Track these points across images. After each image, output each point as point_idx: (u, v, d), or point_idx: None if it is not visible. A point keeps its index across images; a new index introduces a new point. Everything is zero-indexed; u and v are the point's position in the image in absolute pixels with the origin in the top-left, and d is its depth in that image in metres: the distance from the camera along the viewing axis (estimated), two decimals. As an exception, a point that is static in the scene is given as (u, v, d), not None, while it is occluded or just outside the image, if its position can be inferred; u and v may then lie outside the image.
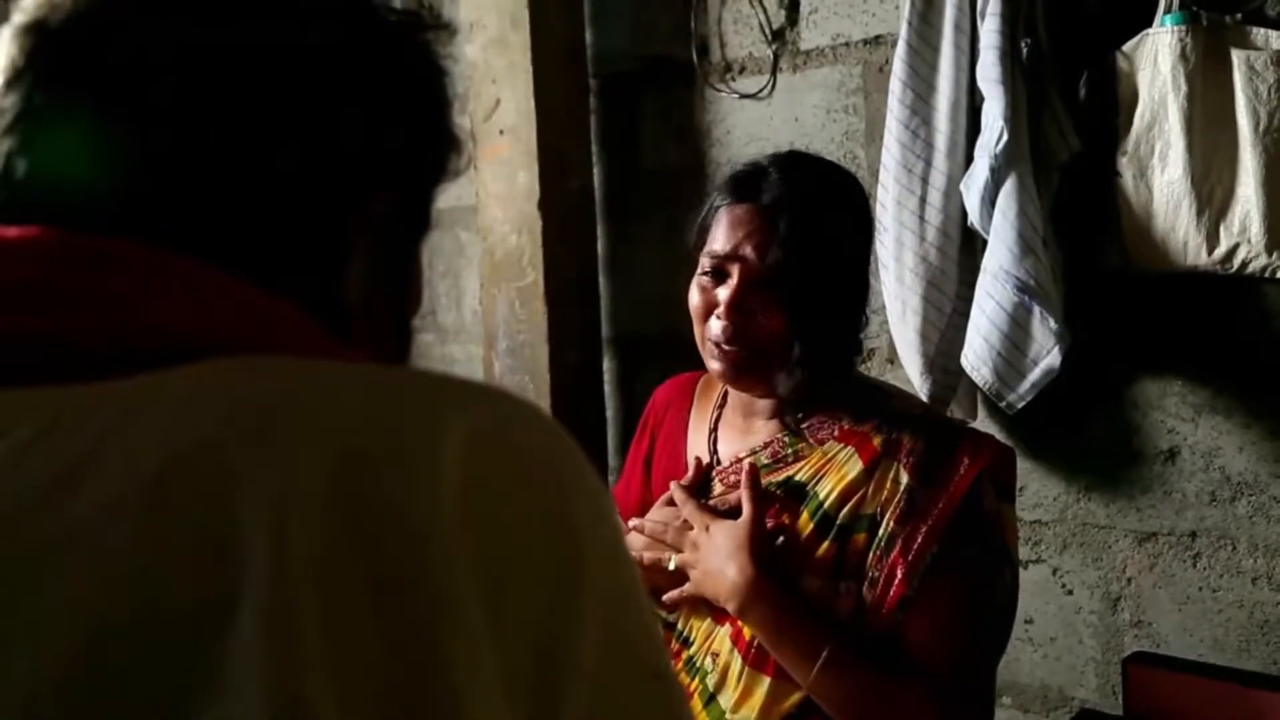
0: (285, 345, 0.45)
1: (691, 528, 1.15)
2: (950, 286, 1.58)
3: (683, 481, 1.20)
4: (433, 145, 0.56)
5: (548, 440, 0.45)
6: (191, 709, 0.35)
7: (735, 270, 1.10)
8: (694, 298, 1.14)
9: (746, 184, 1.12)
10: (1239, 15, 1.41)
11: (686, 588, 1.14)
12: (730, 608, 1.09)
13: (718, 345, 1.11)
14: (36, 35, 0.48)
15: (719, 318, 1.10)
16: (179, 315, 0.44)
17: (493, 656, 0.38)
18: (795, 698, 1.07)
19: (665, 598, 1.15)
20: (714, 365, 1.13)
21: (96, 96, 0.47)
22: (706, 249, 1.12)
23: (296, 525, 0.37)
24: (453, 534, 0.39)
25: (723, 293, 1.10)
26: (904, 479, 1.08)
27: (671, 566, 1.15)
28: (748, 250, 1.09)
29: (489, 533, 0.40)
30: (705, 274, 1.13)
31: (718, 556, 1.10)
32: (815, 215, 1.09)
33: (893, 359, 1.73)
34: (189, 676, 0.35)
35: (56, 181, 0.47)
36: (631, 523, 1.21)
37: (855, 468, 1.10)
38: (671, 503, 1.19)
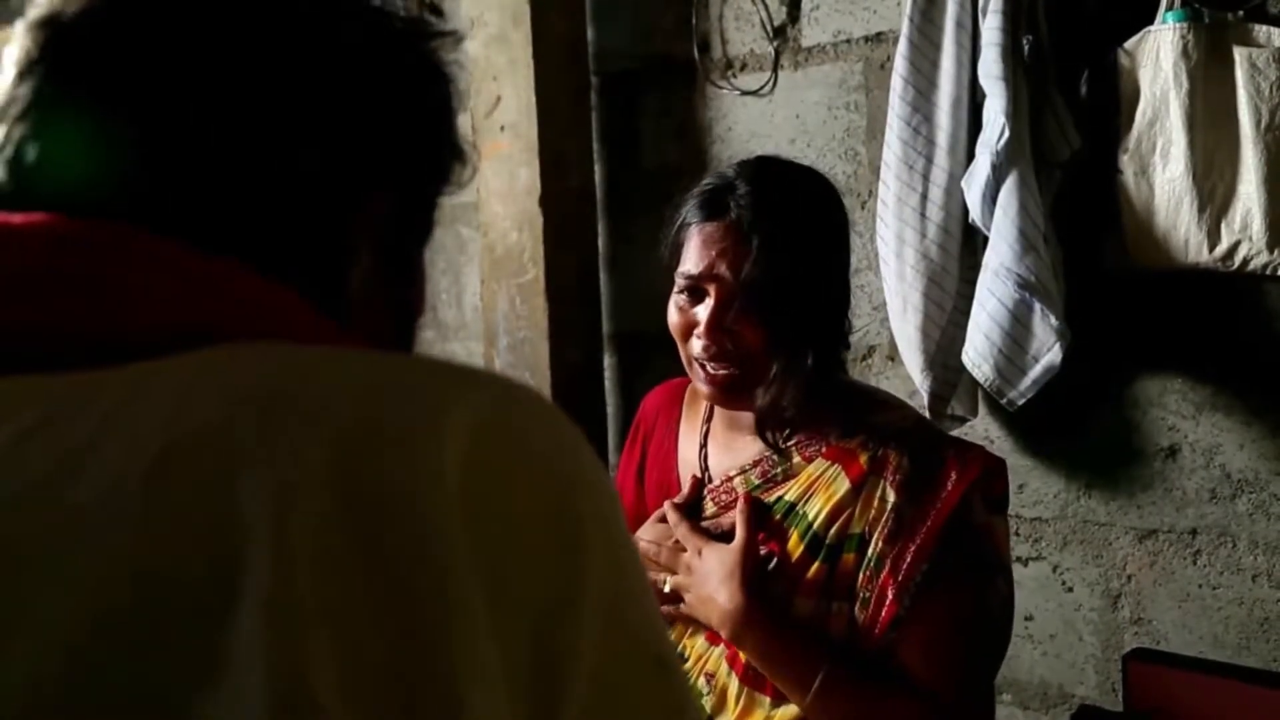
0: (287, 334, 0.45)
1: (684, 549, 1.14)
2: (951, 283, 1.58)
3: (677, 500, 1.18)
4: (435, 150, 0.56)
5: (551, 428, 0.45)
6: (194, 696, 0.35)
7: (711, 289, 1.08)
8: (673, 317, 1.13)
9: (715, 200, 1.10)
10: (1241, 12, 1.41)
11: (681, 608, 1.14)
12: (724, 634, 1.09)
13: (702, 366, 1.11)
14: (50, 28, 0.49)
15: (699, 338, 1.09)
16: (181, 303, 0.44)
17: (494, 643, 0.38)
18: (794, 713, 1.07)
19: (680, 610, 1.15)
20: (701, 387, 1.13)
21: (106, 89, 0.48)
22: (680, 269, 1.11)
23: (298, 513, 0.37)
24: (455, 522, 0.39)
25: (701, 312, 1.09)
26: (891, 497, 1.06)
27: (667, 589, 1.14)
28: (722, 269, 1.07)
29: (491, 521, 0.40)
30: (681, 293, 1.11)
31: (709, 582, 1.10)
32: (787, 227, 1.07)
33: (893, 356, 1.73)
34: (191, 663, 0.35)
35: (65, 170, 0.47)
36: None
37: (842, 487, 1.09)
38: (664, 519, 1.18)
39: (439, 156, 0.57)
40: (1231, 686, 1.39)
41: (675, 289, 1.12)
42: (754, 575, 1.08)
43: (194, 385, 0.41)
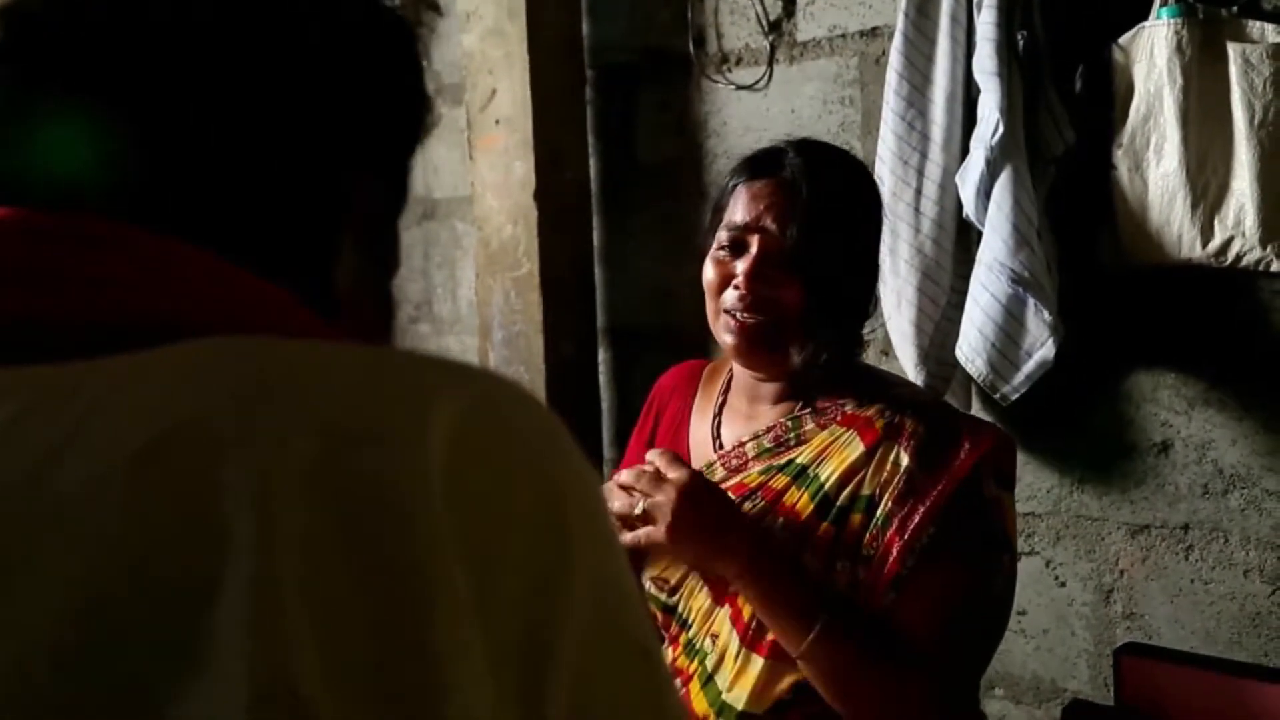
0: (273, 326, 0.45)
1: (664, 477, 1.09)
2: (945, 278, 1.59)
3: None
4: (413, 116, 0.56)
5: (535, 420, 0.45)
6: (177, 685, 0.35)
7: (755, 241, 1.11)
8: (709, 272, 1.14)
9: (765, 161, 1.14)
10: (1235, 8, 1.42)
11: (653, 531, 1.08)
12: (730, 573, 1.07)
13: (733, 316, 1.11)
14: (14, 19, 0.48)
15: (736, 287, 1.11)
16: (164, 295, 0.44)
17: (479, 634, 0.38)
18: (789, 680, 1.07)
19: (627, 538, 1.09)
20: (727, 338, 1.13)
21: (80, 82, 0.47)
22: (725, 222, 1.13)
23: (282, 503, 0.37)
24: (439, 513, 0.39)
25: (740, 264, 1.11)
26: (904, 461, 1.08)
27: (639, 509, 1.09)
28: (768, 221, 1.10)
29: (476, 512, 0.40)
30: (722, 248, 1.13)
31: (709, 527, 1.07)
32: (834, 191, 1.11)
33: (887, 350, 1.73)
34: (175, 651, 0.35)
35: (42, 166, 0.47)
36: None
37: (856, 450, 1.10)
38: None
39: (416, 121, 0.56)
40: (1222, 681, 1.40)
41: (715, 245, 1.14)
42: (756, 515, 1.09)
43: (179, 377, 0.41)
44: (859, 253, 1.15)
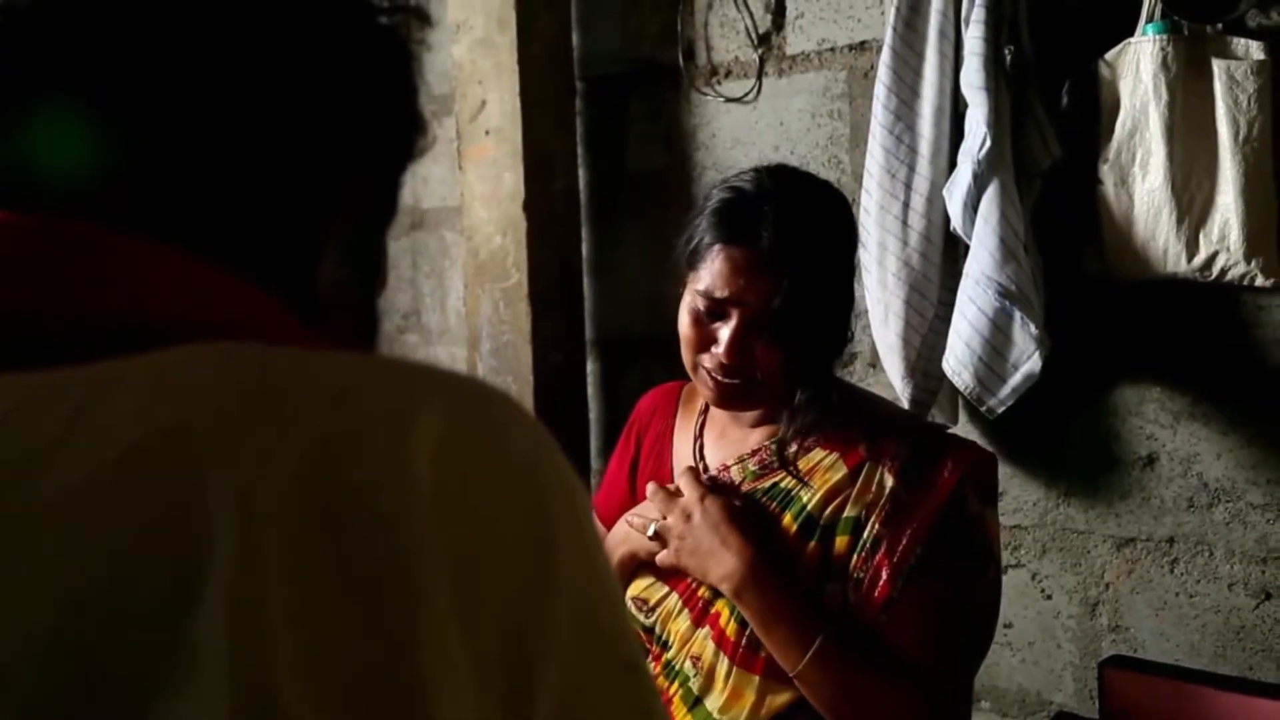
0: (258, 332, 0.45)
1: (683, 495, 1.15)
2: (932, 291, 1.59)
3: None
4: (405, 132, 0.56)
5: (521, 430, 0.45)
6: (158, 692, 0.34)
7: (735, 313, 1.08)
8: (686, 328, 1.12)
9: (742, 223, 1.08)
10: (1220, 25, 1.43)
11: (665, 555, 1.14)
12: (725, 588, 1.09)
13: (712, 376, 1.12)
14: (2, 20, 0.48)
15: (717, 354, 1.10)
16: (149, 299, 0.44)
17: (463, 645, 0.38)
18: (785, 697, 1.08)
19: (658, 559, 1.15)
20: (706, 393, 1.15)
21: (66, 81, 0.46)
22: (703, 288, 1.09)
23: (265, 510, 0.37)
24: (423, 522, 0.39)
25: (722, 331, 1.09)
26: (889, 482, 1.09)
27: (651, 531, 1.15)
28: (749, 297, 1.07)
29: (460, 522, 0.40)
30: (700, 310, 1.10)
31: (715, 534, 1.10)
32: (815, 260, 1.08)
33: (875, 363, 1.74)
34: (156, 659, 0.35)
35: (25, 166, 0.46)
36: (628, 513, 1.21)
37: (839, 471, 1.11)
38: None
39: (408, 136, 0.56)
40: (1207, 694, 1.40)
41: (692, 302, 1.11)
42: (760, 531, 1.10)
43: (165, 383, 0.41)
44: (841, 299, 1.14)
